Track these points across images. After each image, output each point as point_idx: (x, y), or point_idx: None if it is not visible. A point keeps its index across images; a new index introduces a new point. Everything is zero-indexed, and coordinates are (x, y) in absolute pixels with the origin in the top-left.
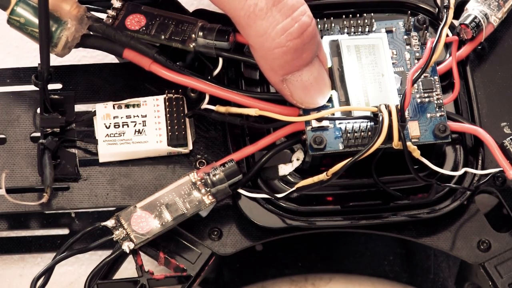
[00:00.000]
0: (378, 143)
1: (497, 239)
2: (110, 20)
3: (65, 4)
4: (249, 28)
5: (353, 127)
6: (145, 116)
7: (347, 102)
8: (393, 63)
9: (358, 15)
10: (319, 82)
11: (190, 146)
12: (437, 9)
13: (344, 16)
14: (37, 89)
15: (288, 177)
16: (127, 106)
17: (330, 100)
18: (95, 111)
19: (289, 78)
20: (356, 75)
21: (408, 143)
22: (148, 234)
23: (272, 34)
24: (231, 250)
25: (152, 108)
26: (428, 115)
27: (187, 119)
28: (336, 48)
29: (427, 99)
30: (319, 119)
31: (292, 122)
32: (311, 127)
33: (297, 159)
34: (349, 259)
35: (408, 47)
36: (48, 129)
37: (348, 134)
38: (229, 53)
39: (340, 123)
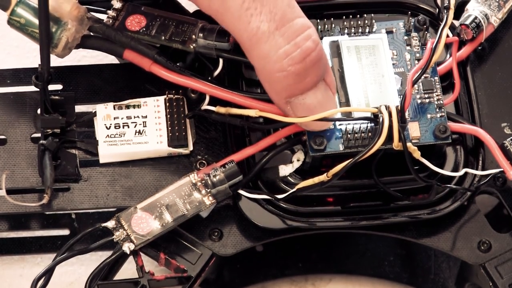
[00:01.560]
0: (378, 144)
1: (497, 239)
2: (110, 21)
3: (66, 5)
4: (252, 50)
5: (353, 128)
6: (146, 116)
7: (347, 103)
8: (393, 64)
9: (358, 15)
10: (324, 106)
11: (191, 147)
12: (437, 9)
13: (344, 17)
14: (38, 89)
15: (289, 178)
16: (127, 106)
17: None
18: (95, 111)
19: (293, 101)
20: (356, 76)
21: (409, 144)
22: (148, 235)
23: (274, 58)
24: (231, 251)
25: (153, 109)
26: (429, 115)
27: (187, 120)
28: (336, 49)
29: (427, 100)
30: (320, 120)
31: (292, 123)
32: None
33: (298, 160)
34: (349, 260)
35: (408, 47)
36: (48, 130)
37: (349, 135)
38: (229, 54)
39: (340, 124)
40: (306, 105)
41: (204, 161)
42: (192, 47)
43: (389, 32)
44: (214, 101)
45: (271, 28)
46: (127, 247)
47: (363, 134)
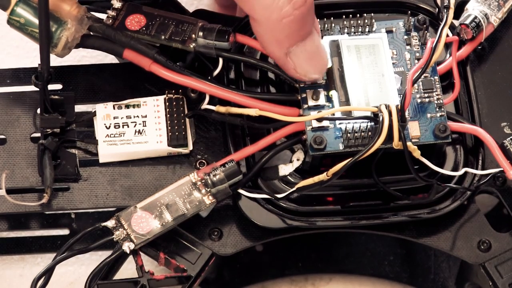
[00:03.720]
0: (378, 143)
1: (497, 239)
2: (110, 21)
3: (65, 5)
4: (255, 2)
5: (353, 127)
6: (145, 116)
7: (347, 102)
8: (393, 63)
9: (358, 15)
10: (321, 51)
11: (190, 147)
12: (437, 9)
13: (344, 16)
14: (37, 89)
15: (289, 177)
16: (127, 106)
17: (330, 100)
18: (95, 111)
19: (294, 50)
20: (356, 75)
21: (409, 143)
22: (148, 234)
23: (280, 4)
24: (231, 251)
25: (152, 109)
26: (428, 115)
27: (187, 119)
28: (336, 48)
29: (427, 99)
30: (319, 119)
31: (292, 122)
32: (311, 127)
33: (297, 159)
34: (349, 259)
35: (408, 47)
36: (48, 130)
37: (349, 134)
38: (229, 53)
39: (340, 123)
40: (307, 52)
41: (204, 161)
42: (192, 46)
43: (389, 31)
44: (214, 100)
45: None
46: (127, 246)
47: (363, 133)
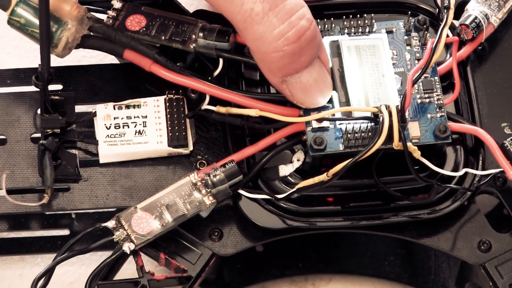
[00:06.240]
0: (378, 144)
1: (497, 239)
2: (111, 21)
3: (66, 5)
4: (246, 32)
5: (353, 127)
6: (146, 116)
7: (347, 102)
8: (393, 64)
9: (358, 15)
10: (319, 83)
11: (191, 147)
12: (437, 9)
13: (344, 16)
14: (38, 89)
15: (289, 177)
16: (127, 106)
17: (330, 100)
18: (95, 111)
19: (288, 80)
20: (356, 75)
21: (409, 144)
22: (148, 235)
23: (269, 39)
24: (231, 251)
25: (153, 109)
26: (429, 115)
27: (187, 120)
28: (336, 49)
29: (427, 100)
30: (320, 120)
31: (292, 123)
32: (311, 127)
33: (298, 160)
34: (349, 260)
35: (408, 47)
36: (48, 130)
37: (349, 135)
38: (229, 53)
39: (340, 124)
40: (302, 84)
41: (204, 161)
42: (192, 47)
43: (389, 32)
44: (214, 101)
45: (265, 9)
46: (127, 247)
47: (363, 133)
